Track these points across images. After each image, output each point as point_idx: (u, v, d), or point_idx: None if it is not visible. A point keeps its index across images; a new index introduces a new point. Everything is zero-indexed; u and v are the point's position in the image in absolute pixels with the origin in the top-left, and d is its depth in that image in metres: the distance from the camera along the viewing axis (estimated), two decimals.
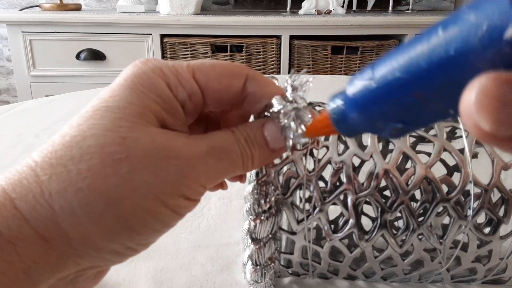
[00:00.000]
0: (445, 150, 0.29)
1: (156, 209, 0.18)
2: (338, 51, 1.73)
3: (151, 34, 1.68)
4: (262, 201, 0.27)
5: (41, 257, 0.17)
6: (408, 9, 2.09)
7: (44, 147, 0.18)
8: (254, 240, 0.29)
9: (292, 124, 0.20)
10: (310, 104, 0.31)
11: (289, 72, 1.69)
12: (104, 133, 0.17)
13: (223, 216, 0.44)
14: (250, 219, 0.28)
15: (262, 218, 0.28)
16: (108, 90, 0.19)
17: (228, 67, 0.21)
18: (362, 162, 0.30)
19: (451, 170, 0.34)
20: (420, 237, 0.29)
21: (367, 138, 0.29)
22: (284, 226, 0.30)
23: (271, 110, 0.21)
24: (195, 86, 0.20)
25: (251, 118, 0.23)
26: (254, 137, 0.21)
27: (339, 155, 0.29)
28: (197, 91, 0.20)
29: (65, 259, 0.17)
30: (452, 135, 0.32)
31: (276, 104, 0.20)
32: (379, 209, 0.28)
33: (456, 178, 0.29)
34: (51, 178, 0.17)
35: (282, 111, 0.20)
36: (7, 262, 0.16)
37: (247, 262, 0.30)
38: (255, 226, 0.28)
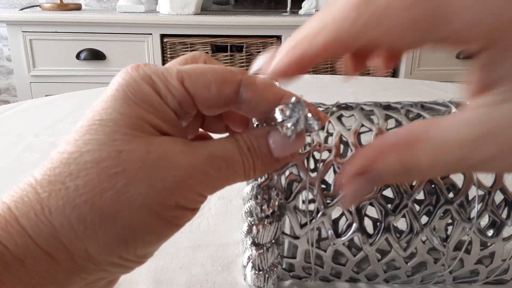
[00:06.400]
0: None
1: (151, 221, 0.18)
2: None
3: (151, 34, 1.68)
4: (265, 207, 0.27)
5: (48, 273, 0.17)
6: None
7: (44, 164, 0.18)
8: (257, 245, 0.28)
9: (299, 127, 0.19)
10: None
11: None
12: (100, 148, 0.17)
13: (223, 216, 0.44)
14: (249, 220, 0.28)
15: (265, 223, 0.27)
16: (100, 101, 0.19)
17: (219, 74, 0.20)
18: None
19: None
20: (423, 239, 0.29)
21: (368, 138, 0.29)
22: (287, 230, 0.30)
23: (274, 120, 0.20)
24: (184, 93, 0.19)
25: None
26: (258, 146, 0.20)
27: (342, 157, 0.28)
28: (186, 98, 0.19)
29: (71, 274, 0.17)
30: None
31: (279, 116, 0.19)
32: (383, 212, 0.28)
33: (459, 179, 0.29)
34: (50, 195, 0.17)
35: (286, 123, 0.19)
36: (16, 277, 0.16)
37: (247, 264, 0.30)
38: (258, 231, 0.28)
